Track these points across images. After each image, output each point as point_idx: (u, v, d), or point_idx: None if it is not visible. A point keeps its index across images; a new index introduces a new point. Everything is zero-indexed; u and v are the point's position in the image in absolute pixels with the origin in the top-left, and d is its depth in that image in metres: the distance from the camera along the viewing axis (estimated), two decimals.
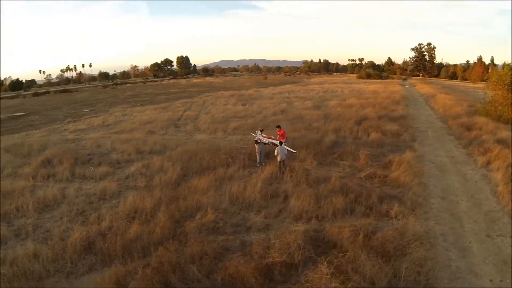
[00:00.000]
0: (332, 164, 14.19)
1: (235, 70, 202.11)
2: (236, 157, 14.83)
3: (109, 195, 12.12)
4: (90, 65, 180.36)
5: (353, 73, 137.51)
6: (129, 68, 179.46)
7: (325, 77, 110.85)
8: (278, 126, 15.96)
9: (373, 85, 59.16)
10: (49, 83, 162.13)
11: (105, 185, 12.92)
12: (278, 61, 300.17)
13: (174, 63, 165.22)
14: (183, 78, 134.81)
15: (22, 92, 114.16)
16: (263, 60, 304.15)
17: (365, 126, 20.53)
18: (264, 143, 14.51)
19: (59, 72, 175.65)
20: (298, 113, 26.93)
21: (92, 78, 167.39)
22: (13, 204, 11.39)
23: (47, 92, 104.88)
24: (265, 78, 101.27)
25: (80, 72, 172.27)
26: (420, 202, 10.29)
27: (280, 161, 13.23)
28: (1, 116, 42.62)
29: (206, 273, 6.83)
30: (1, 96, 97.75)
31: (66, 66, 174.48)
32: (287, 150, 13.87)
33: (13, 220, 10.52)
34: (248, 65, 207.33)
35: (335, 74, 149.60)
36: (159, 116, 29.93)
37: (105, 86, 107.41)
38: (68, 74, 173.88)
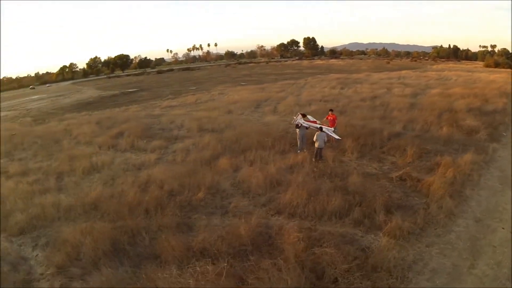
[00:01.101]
0: (374, 159, 13.62)
1: (363, 53, 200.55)
2: (282, 141, 15.57)
3: (145, 166, 14.67)
4: (216, 45, 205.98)
5: (483, 60, 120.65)
6: (256, 48, 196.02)
7: (450, 64, 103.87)
8: (331, 110, 16.03)
9: (496, 75, 51.79)
10: (176, 61, 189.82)
11: (148, 157, 15.71)
12: (408, 45, 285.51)
13: (301, 44, 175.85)
14: (308, 59, 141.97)
15: (147, 69, 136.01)
16: (393, 44, 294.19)
17: (445, 118, 19.17)
18: (306, 128, 14.74)
19: (185, 51, 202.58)
20: (387, 100, 26.15)
21: (220, 57, 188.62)
22: (72, 166, 15.06)
23: (171, 70, 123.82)
24: (388, 63, 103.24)
25: (208, 51, 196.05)
26: (438, 220, 9.03)
27: (317, 149, 13.33)
28: (117, 91, 53.27)
29: (149, 243, 8.22)
30: (129, 73, 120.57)
31: (193, 45, 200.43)
32: (331, 136, 13.98)
33: (64, 178, 14.03)
34: (377, 49, 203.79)
35: (464, 61, 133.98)
36: (250, 97, 32.41)
37: (227, 65, 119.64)
38: (195, 53, 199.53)
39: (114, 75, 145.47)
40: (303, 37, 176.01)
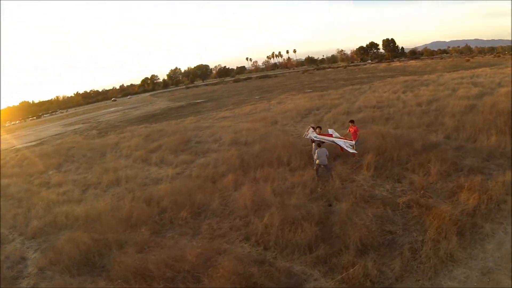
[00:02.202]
0: (392, 177, 12.56)
1: (444, 52, 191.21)
2: (302, 156, 15.77)
3: (163, 180, 16.09)
4: (294, 51, 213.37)
5: None
6: (336, 52, 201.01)
7: None
8: (352, 121, 15.39)
9: None
10: (256, 69, 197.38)
11: (170, 171, 17.17)
12: (493, 40, 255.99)
13: (380, 46, 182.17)
14: (386, 62, 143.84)
15: (226, 79, 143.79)
16: (476, 40, 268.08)
17: (498, 124, 16.54)
18: (319, 142, 14.58)
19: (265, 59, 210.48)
20: (446, 103, 24.04)
21: (300, 63, 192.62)
22: (100, 179, 17.31)
23: (249, 78, 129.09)
24: (468, 61, 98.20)
25: (289, 57, 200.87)
26: (426, 267, 7.68)
27: (317, 165, 13.14)
28: (185, 102, 57.35)
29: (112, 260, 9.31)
30: (207, 83, 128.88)
31: (272, 52, 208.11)
32: (349, 149, 14.29)
33: (88, 190, 16.24)
34: (459, 46, 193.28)
35: None
36: (305, 105, 32.59)
37: (304, 72, 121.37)
38: (276, 60, 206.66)
39: (192, 85, 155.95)
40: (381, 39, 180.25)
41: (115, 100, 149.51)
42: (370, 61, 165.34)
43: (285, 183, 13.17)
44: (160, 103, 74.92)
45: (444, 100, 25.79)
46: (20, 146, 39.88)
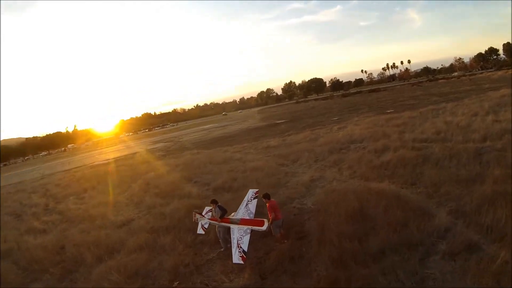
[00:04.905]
0: None
1: None
2: None
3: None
4: (409, 61, 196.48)
5: None
6: (453, 60, 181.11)
7: None
8: (266, 196, 10.86)
9: None
10: (370, 81, 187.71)
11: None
12: None
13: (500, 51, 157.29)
14: (505, 69, 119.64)
15: (334, 93, 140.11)
16: None
17: None
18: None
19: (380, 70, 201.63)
20: None
21: (417, 74, 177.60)
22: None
23: (359, 92, 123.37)
24: None
25: (407, 68, 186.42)
26: None
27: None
28: (266, 123, 56.72)
29: None
30: (317, 98, 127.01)
31: (386, 64, 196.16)
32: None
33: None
34: None
35: None
36: (355, 133, 28.22)
37: (413, 84, 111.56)
38: (394, 71, 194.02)
39: (302, 100, 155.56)
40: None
41: (225, 114, 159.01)
42: (491, 68, 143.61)
43: None
44: (249, 122, 76.24)
45: None
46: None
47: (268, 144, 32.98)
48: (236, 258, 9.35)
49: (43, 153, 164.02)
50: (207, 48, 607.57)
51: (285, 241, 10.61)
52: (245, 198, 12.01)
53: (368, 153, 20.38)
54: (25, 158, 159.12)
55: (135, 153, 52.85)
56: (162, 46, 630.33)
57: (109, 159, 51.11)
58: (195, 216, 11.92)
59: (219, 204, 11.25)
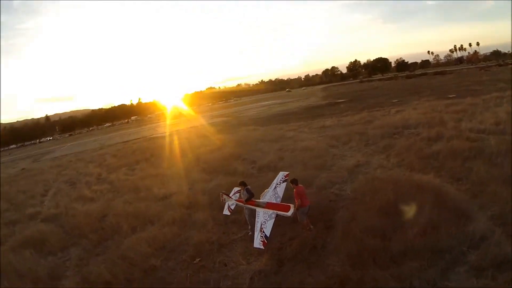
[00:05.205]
0: None
1: None
2: None
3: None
4: (478, 44, 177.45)
5: None
6: None
7: None
8: (294, 181, 10.35)
9: None
10: (437, 63, 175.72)
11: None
12: None
13: None
14: None
15: (398, 74, 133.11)
16: None
17: None
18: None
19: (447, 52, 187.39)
20: None
21: (487, 58, 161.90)
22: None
23: (424, 74, 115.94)
24: None
25: (475, 51, 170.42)
26: None
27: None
28: (326, 101, 55.51)
29: None
30: (381, 78, 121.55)
31: (453, 45, 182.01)
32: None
33: None
34: None
35: None
36: (412, 118, 26.36)
37: (481, 69, 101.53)
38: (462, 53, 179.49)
39: (366, 79, 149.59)
40: None
41: (289, 91, 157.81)
42: None
43: None
44: (310, 99, 74.44)
45: None
46: None
47: (324, 123, 31.87)
48: (257, 243, 8.96)
49: (107, 124, 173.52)
50: (274, 24, 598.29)
51: (311, 227, 10.04)
52: (275, 181, 11.37)
53: (420, 140, 18.60)
54: (90, 128, 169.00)
55: (194, 127, 54.50)
56: (228, 18, 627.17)
57: (167, 132, 52.75)
58: (222, 197, 11.69)
59: (248, 187, 10.85)
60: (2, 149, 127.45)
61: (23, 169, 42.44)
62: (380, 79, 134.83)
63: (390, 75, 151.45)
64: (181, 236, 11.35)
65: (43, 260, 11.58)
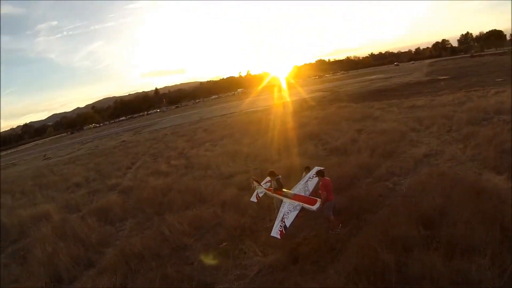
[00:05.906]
0: None
1: None
2: None
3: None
4: None
5: None
6: None
7: None
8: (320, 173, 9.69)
9: None
10: None
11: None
12: None
13: None
14: None
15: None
16: None
17: None
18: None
19: None
20: None
21: None
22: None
23: None
24: None
25: None
26: None
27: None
28: (428, 78, 53.87)
29: None
30: (494, 52, 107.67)
31: None
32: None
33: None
34: None
35: None
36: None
37: None
38: None
39: (477, 54, 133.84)
40: None
41: (397, 65, 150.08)
42: None
43: None
44: (414, 75, 70.01)
45: None
46: None
47: (415, 103, 29.37)
48: (275, 232, 8.58)
49: (213, 96, 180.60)
50: None
51: (339, 229, 9.23)
52: (308, 174, 10.78)
53: (507, 131, 15.55)
54: (196, 101, 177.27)
55: (290, 101, 54.79)
56: None
57: (262, 107, 53.88)
58: (253, 184, 11.51)
59: (278, 176, 10.56)
60: (112, 121, 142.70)
61: (123, 141, 46.65)
62: (492, 54, 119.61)
63: (504, 49, 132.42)
64: (221, 218, 11.42)
65: (102, 228, 12.74)
